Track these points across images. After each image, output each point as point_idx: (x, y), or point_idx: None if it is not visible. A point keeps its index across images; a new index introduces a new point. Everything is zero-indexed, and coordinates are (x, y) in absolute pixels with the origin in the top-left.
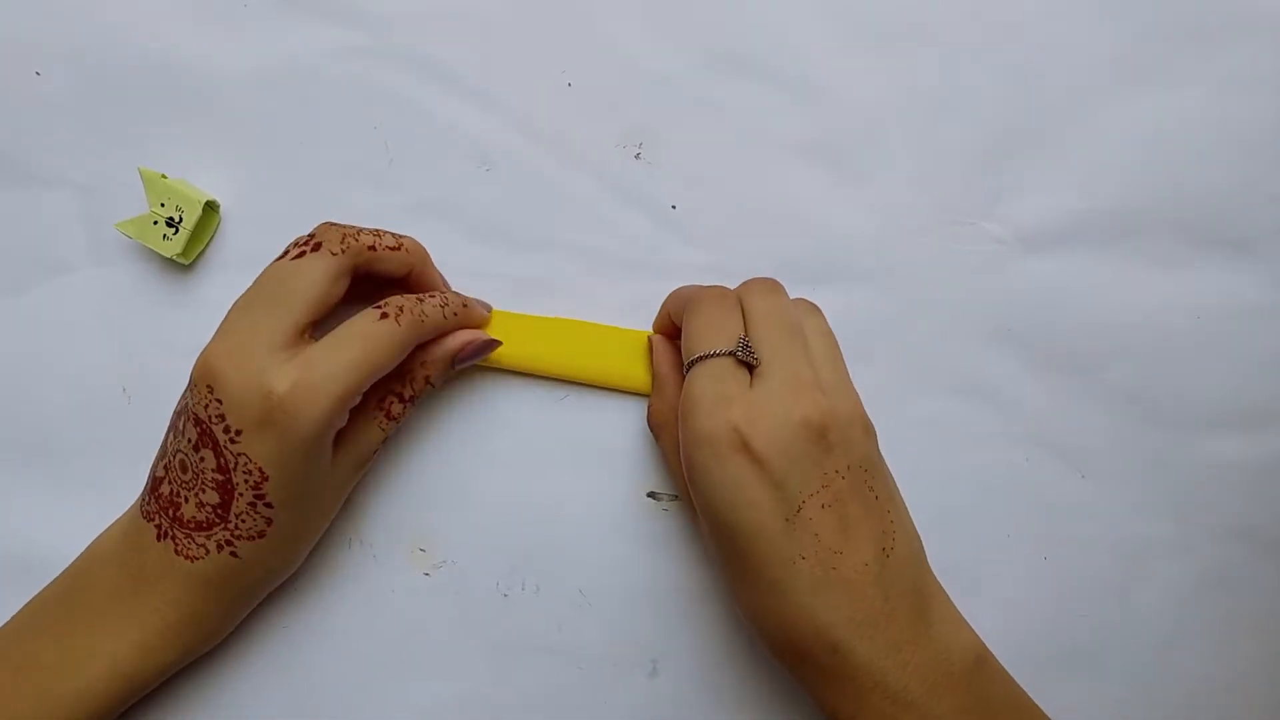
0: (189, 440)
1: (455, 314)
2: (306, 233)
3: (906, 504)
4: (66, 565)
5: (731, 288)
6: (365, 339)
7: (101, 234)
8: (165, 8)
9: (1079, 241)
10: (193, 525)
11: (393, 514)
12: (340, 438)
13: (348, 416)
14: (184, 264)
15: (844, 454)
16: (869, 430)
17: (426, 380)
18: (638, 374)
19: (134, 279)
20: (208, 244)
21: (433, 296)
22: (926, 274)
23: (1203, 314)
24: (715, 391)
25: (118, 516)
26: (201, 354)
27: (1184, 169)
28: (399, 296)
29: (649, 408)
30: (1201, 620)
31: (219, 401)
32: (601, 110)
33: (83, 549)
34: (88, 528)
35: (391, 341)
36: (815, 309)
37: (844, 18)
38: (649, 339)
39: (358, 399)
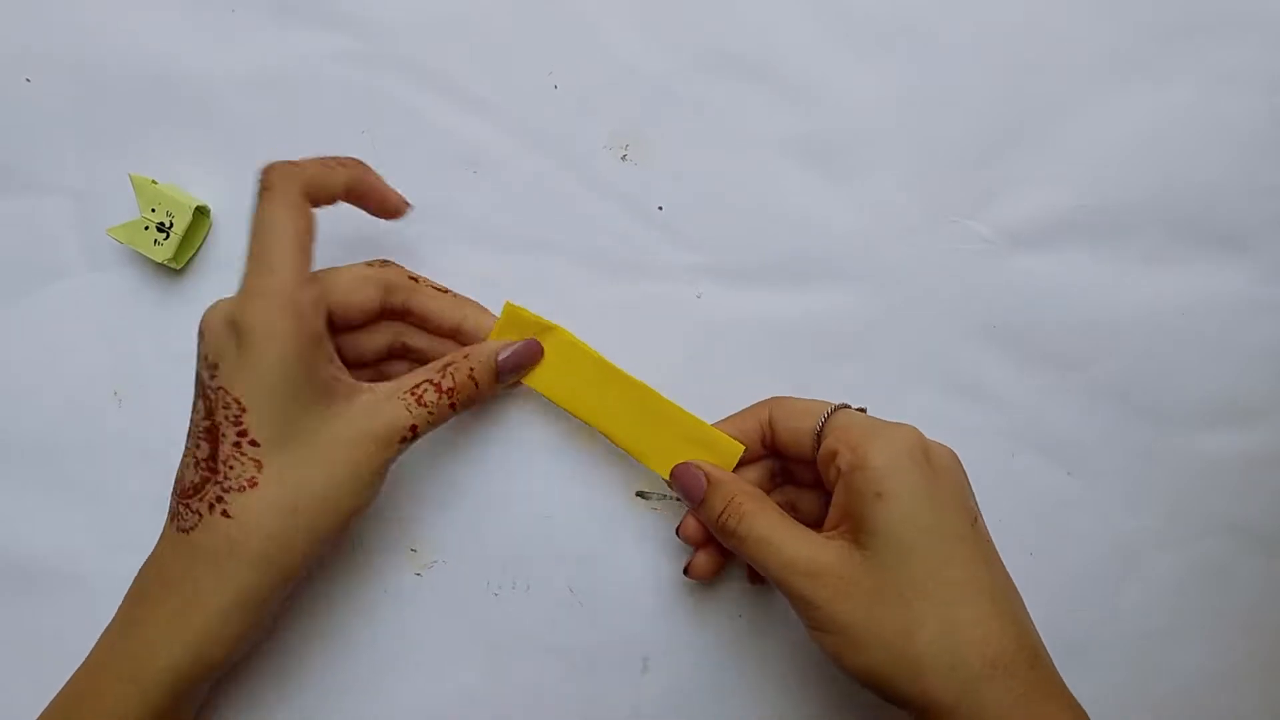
0: (193, 402)
1: (341, 164)
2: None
3: None
4: (57, 567)
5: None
6: (277, 224)
7: (93, 240)
8: (154, 14)
9: (1068, 239)
10: (190, 491)
11: (384, 514)
12: (354, 400)
13: (323, 327)
14: (175, 269)
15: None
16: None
17: (471, 376)
18: (664, 450)
19: (126, 284)
20: (199, 249)
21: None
22: (915, 272)
23: (1191, 310)
24: (873, 420)
25: (107, 518)
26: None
27: (1172, 166)
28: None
29: (723, 508)
30: (1190, 615)
31: (201, 336)
32: (588, 111)
33: (74, 550)
34: (79, 529)
35: (297, 209)
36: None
37: (832, 17)
38: (674, 469)
39: (321, 300)
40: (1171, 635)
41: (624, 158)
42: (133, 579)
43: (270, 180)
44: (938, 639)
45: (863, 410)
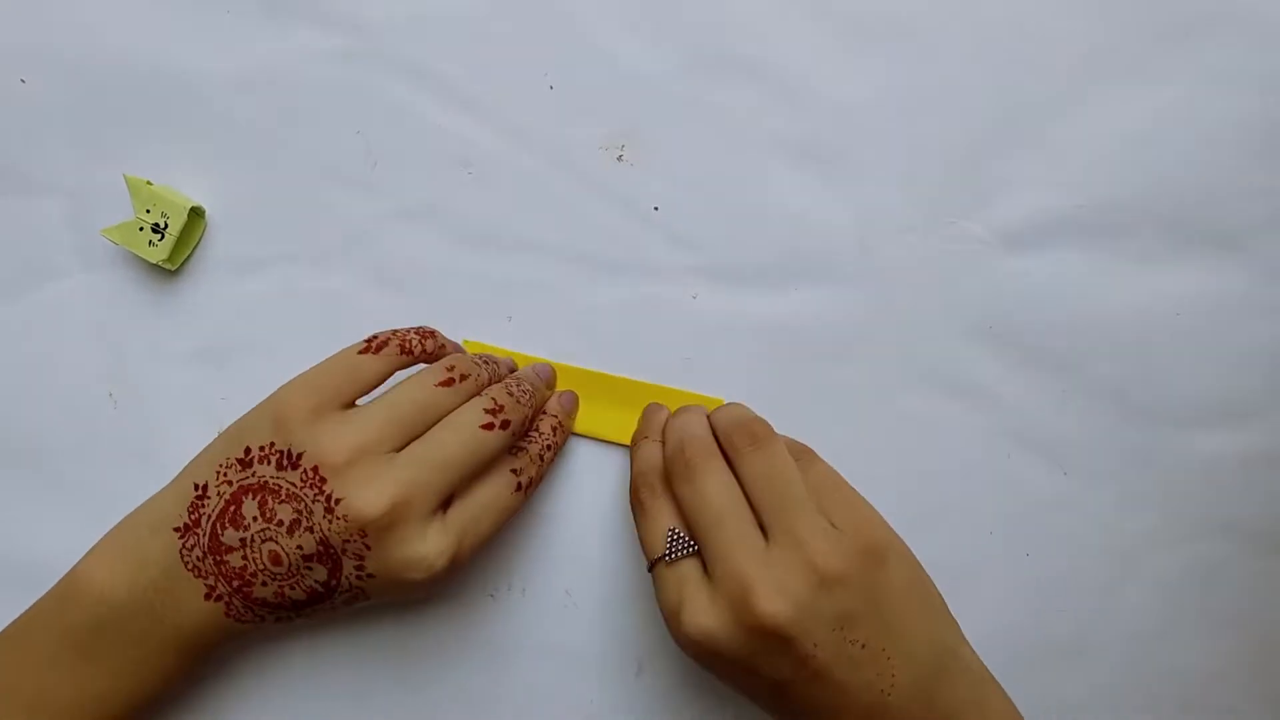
0: (298, 548)
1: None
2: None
3: (903, 535)
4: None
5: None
6: (506, 510)
7: (88, 240)
8: (148, 14)
9: (1063, 239)
10: (260, 604)
11: None
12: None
13: None
14: (170, 269)
15: (810, 634)
16: (853, 575)
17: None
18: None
19: (120, 285)
20: (193, 249)
21: (514, 383)
22: (909, 273)
23: (1184, 310)
24: (669, 602)
25: (101, 518)
26: (356, 477)
27: (1165, 166)
28: (526, 465)
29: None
30: (1185, 615)
31: (366, 548)
32: (583, 112)
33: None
34: (73, 530)
35: (521, 501)
36: (807, 457)
37: (826, 18)
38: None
39: None
40: (1167, 635)
41: (620, 158)
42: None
43: (471, 377)
44: None
45: (694, 552)
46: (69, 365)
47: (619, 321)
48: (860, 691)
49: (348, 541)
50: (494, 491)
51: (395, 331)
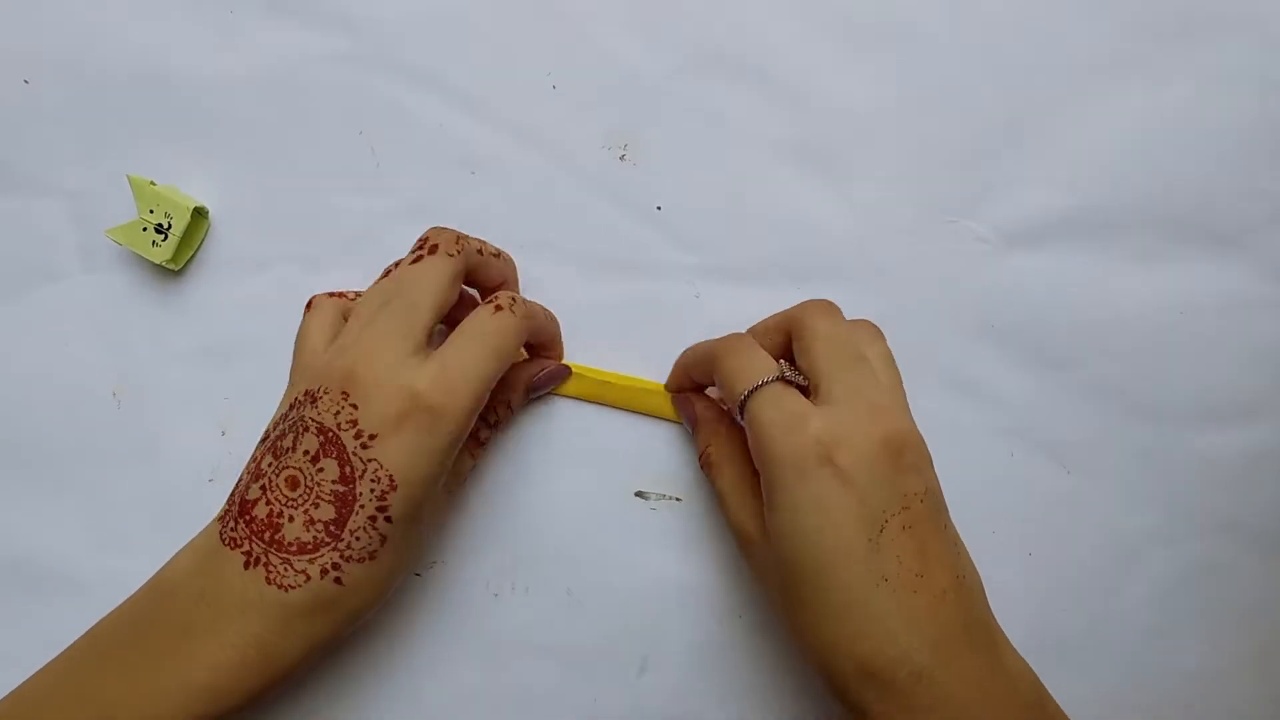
0: (305, 453)
1: (550, 317)
2: (418, 237)
3: None
4: (54, 568)
5: (741, 331)
6: (490, 334)
7: (92, 241)
8: (152, 15)
9: (1063, 238)
10: (295, 548)
11: None
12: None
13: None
14: (173, 269)
15: (918, 478)
16: (930, 462)
17: (508, 405)
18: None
19: (124, 285)
20: (197, 249)
21: (530, 301)
22: (911, 272)
23: (1187, 308)
24: (789, 411)
25: (105, 518)
26: (327, 361)
27: (1167, 165)
28: (504, 292)
29: (701, 451)
30: (1188, 613)
31: (354, 406)
32: (586, 112)
33: (72, 550)
34: (77, 530)
35: (513, 332)
36: (876, 334)
37: (828, 18)
38: (671, 396)
39: (488, 396)
40: (1170, 633)
41: (622, 158)
42: (142, 599)
43: (441, 244)
44: (820, 649)
45: (795, 384)
46: (73, 365)
47: (622, 320)
48: (941, 569)
49: (338, 412)
50: (473, 321)
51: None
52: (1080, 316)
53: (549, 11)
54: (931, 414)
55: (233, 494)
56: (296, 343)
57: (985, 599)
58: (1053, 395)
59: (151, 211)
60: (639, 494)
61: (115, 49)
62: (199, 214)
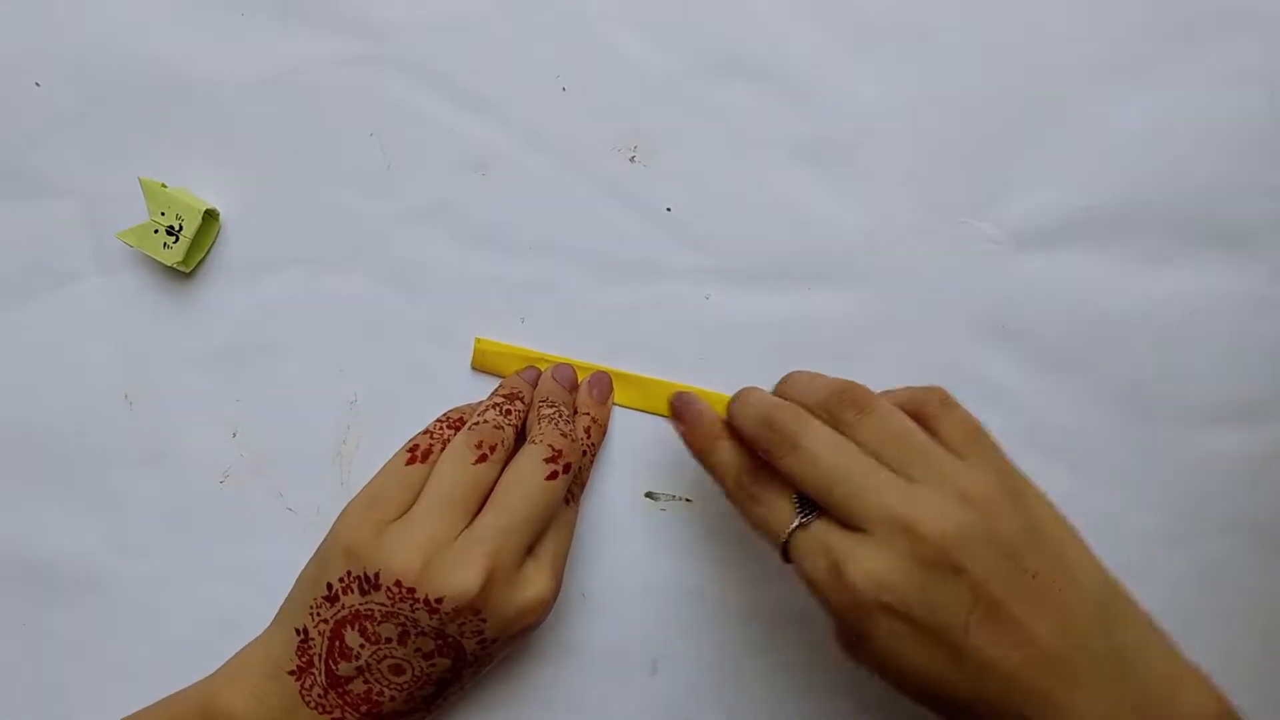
0: (418, 650)
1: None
2: (553, 446)
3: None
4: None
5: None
6: (566, 523)
7: (104, 243)
8: (163, 18)
9: (1072, 239)
10: (390, 716)
11: None
12: None
13: None
14: (185, 272)
15: (980, 560)
16: (1005, 504)
17: (590, 445)
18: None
19: (136, 287)
20: (208, 252)
21: (566, 422)
22: (921, 273)
23: (1196, 309)
24: (821, 567)
25: (119, 520)
26: (448, 571)
27: (1177, 165)
28: (563, 444)
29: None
30: (1199, 614)
31: (483, 620)
32: (596, 113)
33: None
34: (90, 532)
35: (560, 495)
36: (939, 401)
37: (838, 19)
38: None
39: None
40: (1177, 633)
41: (632, 160)
42: None
43: (573, 464)
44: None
45: (811, 513)
46: (85, 367)
47: (632, 322)
48: (1043, 633)
49: (463, 624)
50: (559, 515)
51: (430, 433)
52: (1090, 317)
53: (559, 14)
54: None
55: (305, 656)
56: (386, 483)
57: (1110, 623)
58: (1061, 395)
59: (163, 214)
60: (649, 495)
61: (126, 52)
62: (210, 216)
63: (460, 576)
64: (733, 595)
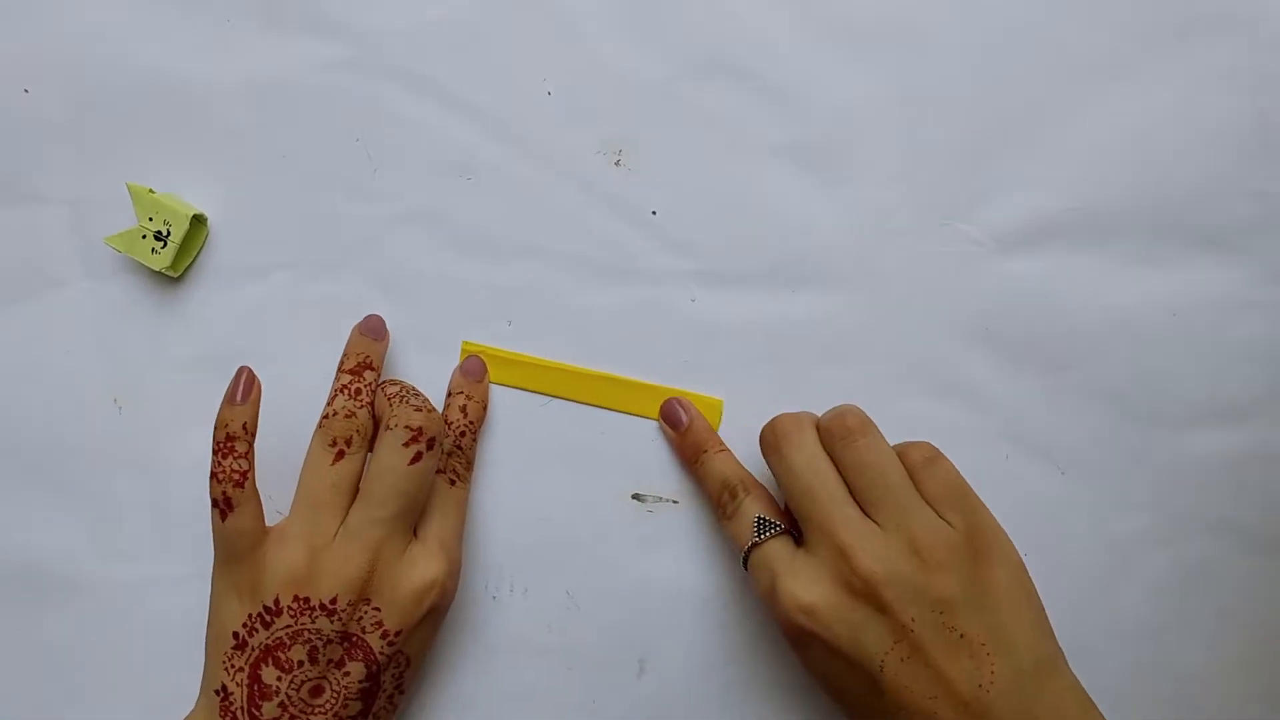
0: (329, 660)
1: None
2: (416, 425)
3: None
4: (55, 574)
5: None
6: (454, 502)
7: (92, 248)
8: (150, 24)
9: (1057, 240)
10: None
11: None
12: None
13: None
14: (173, 276)
15: (907, 607)
16: (952, 563)
17: (471, 429)
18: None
19: (124, 292)
20: (196, 256)
21: (426, 409)
22: (907, 275)
23: (1180, 311)
24: (764, 581)
25: (106, 525)
26: (338, 568)
27: (1160, 167)
28: (420, 420)
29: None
30: (1184, 614)
31: (377, 610)
32: (581, 117)
33: (73, 556)
34: (78, 536)
35: (429, 473)
36: (929, 457)
37: (821, 21)
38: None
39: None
40: (1166, 634)
41: (617, 163)
42: None
43: (437, 439)
44: None
45: (782, 531)
46: (73, 372)
47: (618, 325)
48: (958, 680)
49: (361, 619)
50: (437, 497)
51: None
52: (1074, 318)
53: (544, 18)
54: (926, 417)
55: (227, 714)
56: (306, 479)
57: (1030, 689)
58: (1048, 398)
59: (151, 219)
60: (636, 496)
61: (114, 58)
62: (198, 221)
63: (344, 570)
64: (719, 596)
